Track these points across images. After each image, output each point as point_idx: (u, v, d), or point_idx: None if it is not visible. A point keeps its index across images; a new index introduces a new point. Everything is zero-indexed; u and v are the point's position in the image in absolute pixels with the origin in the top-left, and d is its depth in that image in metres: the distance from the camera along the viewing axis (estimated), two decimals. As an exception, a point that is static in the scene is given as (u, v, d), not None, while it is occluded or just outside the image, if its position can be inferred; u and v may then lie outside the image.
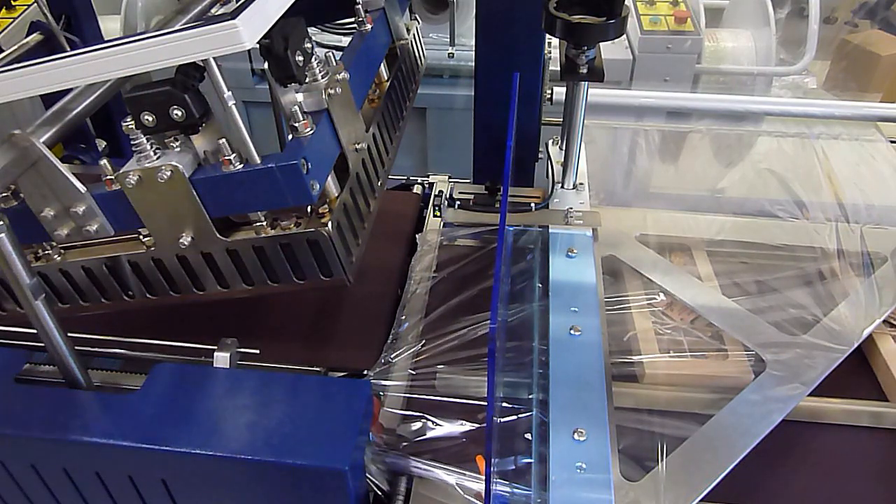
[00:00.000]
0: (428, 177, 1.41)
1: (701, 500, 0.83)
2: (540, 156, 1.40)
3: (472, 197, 1.31)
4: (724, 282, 1.17)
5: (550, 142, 1.38)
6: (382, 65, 1.10)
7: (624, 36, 1.98)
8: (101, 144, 1.62)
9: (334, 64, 0.87)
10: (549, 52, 1.28)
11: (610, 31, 1.01)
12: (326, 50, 0.90)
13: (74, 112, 0.84)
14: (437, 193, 1.33)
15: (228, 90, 0.74)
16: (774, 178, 1.41)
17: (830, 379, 0.99)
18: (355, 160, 0.91)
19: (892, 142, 1.49)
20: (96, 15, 1.52)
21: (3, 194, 0.82)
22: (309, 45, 0.84)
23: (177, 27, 0.72)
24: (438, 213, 1.29)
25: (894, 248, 1.21)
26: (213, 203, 0.79)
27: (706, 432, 0.91)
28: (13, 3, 2.11)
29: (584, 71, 1.07)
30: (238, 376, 0.83)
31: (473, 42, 1.22)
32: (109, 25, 2.21)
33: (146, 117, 0.75)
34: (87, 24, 1.48)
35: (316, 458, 0.72)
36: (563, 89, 1.22)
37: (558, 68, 1.12)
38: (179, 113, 0.74)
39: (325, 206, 0.84)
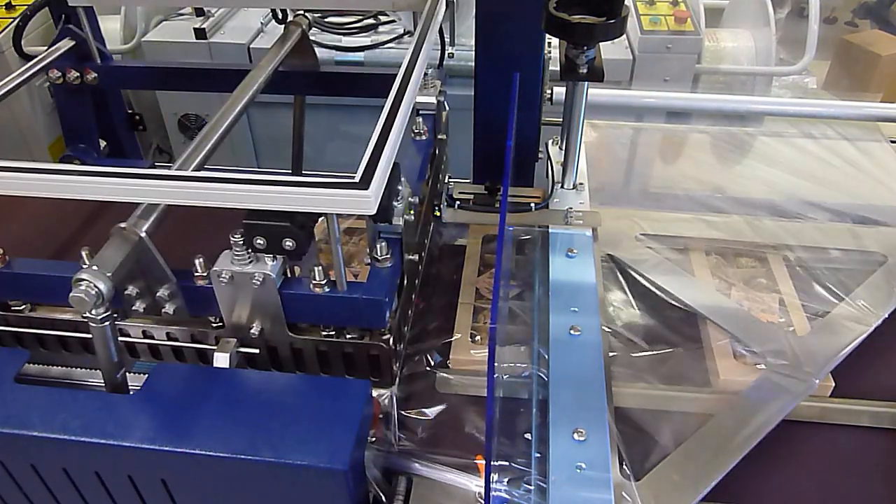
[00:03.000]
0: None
1: (701, 501, 0.83)
2: (540, 156, 1.40)
3: (471, 197, 1.31)
4: (724, 282, 1.17)
5: (550, 142, 1.38)
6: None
7: (624, 36, 1.98)
8: (101, 144, 1.62)
9: (409, 188, 0.91)
10: (549, 52, 1.28)
11: (610, 31, 1.00)
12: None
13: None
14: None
15: (339, 237, 0.79)
16: (775, 178, 1.41)
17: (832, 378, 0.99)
18: (409, 269, 0.97)
19: (892, 142, 1.50)
20: (96, 15, 1.52)
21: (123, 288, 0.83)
22: (399, 186, 0.90)
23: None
24: (438, 213, 1.28)
25: (894, 247, 1.21)
26: (295, 312, 0.85)
27: (706, 432, 0.91)
28: (13, 4, 2.12)
29: (584, 71, 1.07)
30: (238, 376, 0.83)
31: (473, 42, 1.22)
32: (109, 25, 2.22)
33: (258, 241, 0.79)
34: (86, 24, 1.48)
35: (316, 458, 0.72)
36: (563, 89, 1.22)
37: (558, 68, 1.12)
38: (290, 244, 0.79)
39: None
